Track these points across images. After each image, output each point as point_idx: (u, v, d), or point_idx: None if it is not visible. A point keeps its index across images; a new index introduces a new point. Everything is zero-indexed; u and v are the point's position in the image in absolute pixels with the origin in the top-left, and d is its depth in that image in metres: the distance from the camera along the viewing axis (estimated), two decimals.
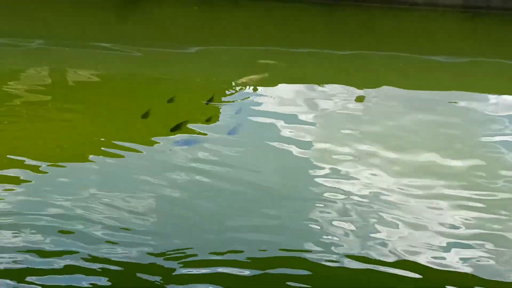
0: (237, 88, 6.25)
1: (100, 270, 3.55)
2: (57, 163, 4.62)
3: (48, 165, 4.58)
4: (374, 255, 3.81)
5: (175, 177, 4.55)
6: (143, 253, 3.74)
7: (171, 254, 3.72)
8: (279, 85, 6.42)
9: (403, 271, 3.72)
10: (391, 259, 3.82)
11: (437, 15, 7.84)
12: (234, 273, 3.61)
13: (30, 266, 3.56)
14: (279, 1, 8.08)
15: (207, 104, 5.79)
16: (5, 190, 4.35)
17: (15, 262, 3.61)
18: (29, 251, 3.70)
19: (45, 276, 3.53)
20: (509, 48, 7.47)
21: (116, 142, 4.94)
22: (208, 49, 7.43)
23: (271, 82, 6.38)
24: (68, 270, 3.52)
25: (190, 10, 8.29)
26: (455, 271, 3.72)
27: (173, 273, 3.58)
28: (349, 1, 7.77)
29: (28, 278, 3.44)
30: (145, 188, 4.37)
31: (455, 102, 6.41)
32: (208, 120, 5.40)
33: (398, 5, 7.72)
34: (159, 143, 5.04)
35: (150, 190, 4.37)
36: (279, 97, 6.13)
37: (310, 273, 3.65)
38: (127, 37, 7.69)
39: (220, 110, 5.67)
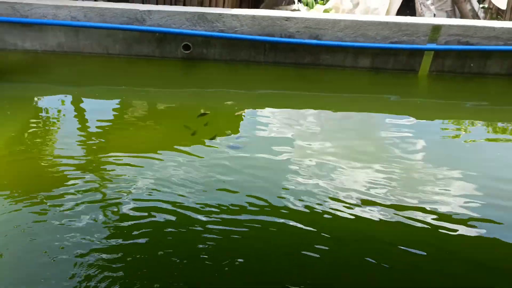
0: (238, 116, 7.16)
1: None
2: (151, 157, 5.82)
3: (143, 158, 5.80)
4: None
5: (218, 164, 5.68)
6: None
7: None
8: (267, 111, 7.54)
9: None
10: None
11: (356, 72, 9.40)
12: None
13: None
14: (274, 65, 9.11)
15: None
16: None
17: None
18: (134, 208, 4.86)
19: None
20: (397, 89, 8.97)
21: (179, 147, 6.17)
22: (231, 91, 8.40)
23: (261, 110, 7.57)
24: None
25: (223, 71, 9.17)
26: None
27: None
28: (308, 65, 9.19)
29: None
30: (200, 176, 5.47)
31: (370, 118, 7.53)
32: (228, 135, 6.36)
33: (335, 67, 9.26)
34: (209, 147, 6.18)
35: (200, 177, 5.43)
36: (267, 121, 7.13)
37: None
38: (186, 85, 8.66)
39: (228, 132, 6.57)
